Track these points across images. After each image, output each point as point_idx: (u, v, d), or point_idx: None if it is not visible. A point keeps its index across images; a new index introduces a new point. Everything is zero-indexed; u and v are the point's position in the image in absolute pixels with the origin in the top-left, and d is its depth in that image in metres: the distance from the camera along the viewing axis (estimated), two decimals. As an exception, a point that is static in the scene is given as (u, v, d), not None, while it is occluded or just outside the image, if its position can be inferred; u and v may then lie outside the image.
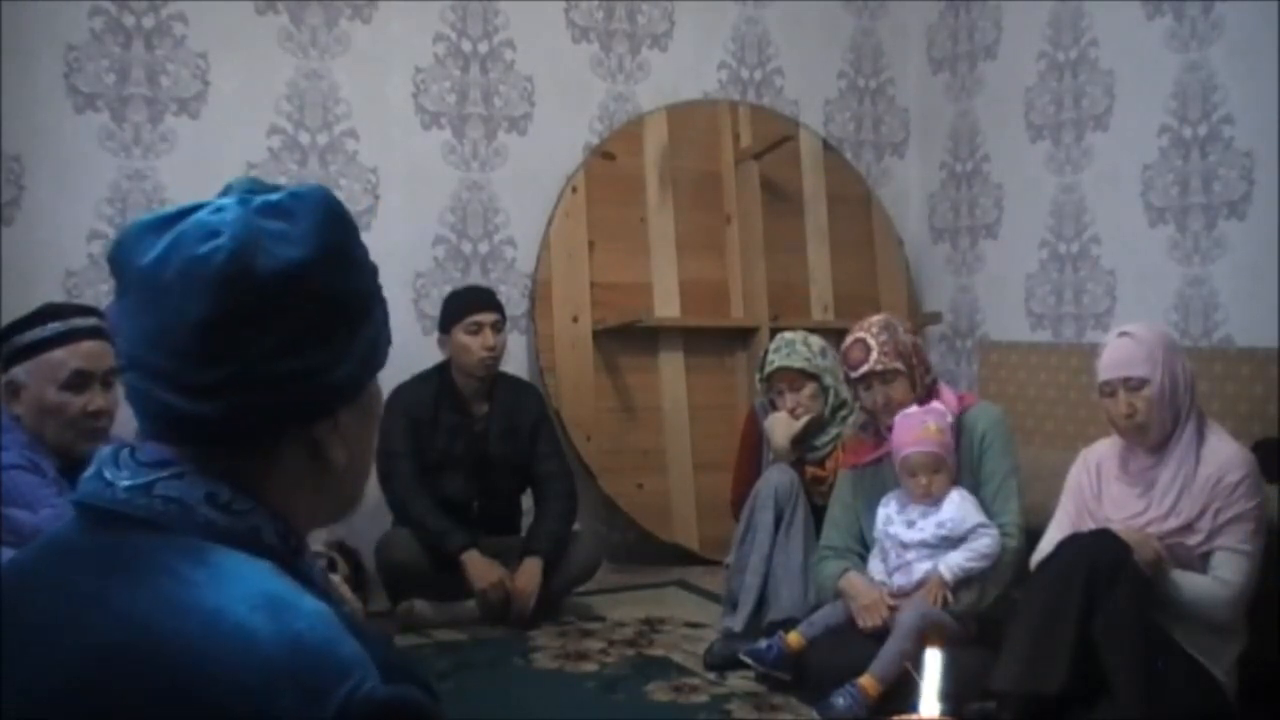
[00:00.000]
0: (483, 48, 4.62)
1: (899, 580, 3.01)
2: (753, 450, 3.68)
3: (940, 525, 2.98)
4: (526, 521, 3.98)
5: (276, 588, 0.85)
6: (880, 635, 2.93)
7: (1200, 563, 2.66)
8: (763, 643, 3.09)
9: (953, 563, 2.94)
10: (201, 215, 0.91)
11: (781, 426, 3.49)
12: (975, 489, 3.08)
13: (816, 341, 3.57)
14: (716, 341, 4.81)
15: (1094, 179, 4.52)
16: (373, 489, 3.61)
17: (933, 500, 3.00)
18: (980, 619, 2.98)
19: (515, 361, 4.42)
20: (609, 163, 4.74)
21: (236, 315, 0.88)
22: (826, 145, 5.14)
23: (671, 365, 4.73)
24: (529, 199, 4.64)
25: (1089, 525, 2.76)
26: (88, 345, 2.47)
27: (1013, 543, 3.01)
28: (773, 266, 4.85)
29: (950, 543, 2.98)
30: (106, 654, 0.81)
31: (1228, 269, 4.02)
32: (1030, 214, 4.80)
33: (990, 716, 2.65)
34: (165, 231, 0.91)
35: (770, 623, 3.24)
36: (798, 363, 3.49)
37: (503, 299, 4.09)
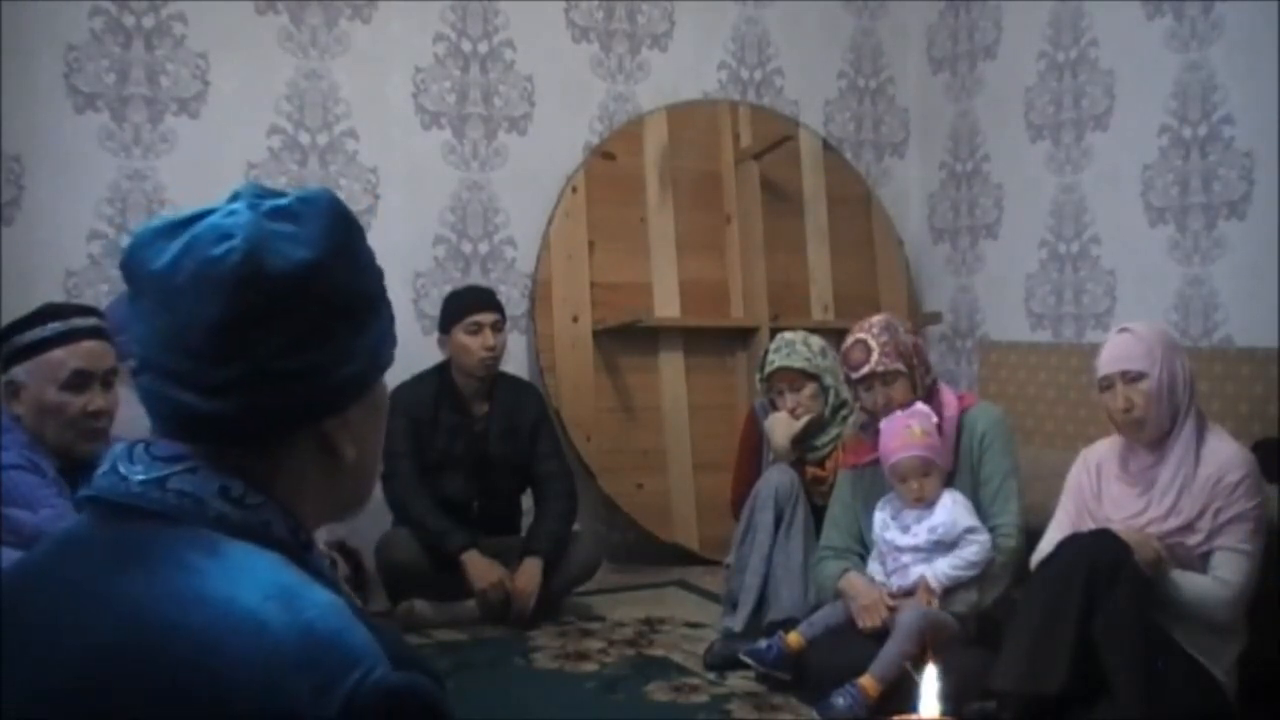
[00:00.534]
0: (483, 48, 4.63)
1: (897, 582, 3.01)
2: (753, 450, 3.68)
3: (932, 530, 2.98)
4: (526, 521, 3.98)
5: (287, 578, 0.87)
6: (880, 635, 2.93)
7: (1200, 563, 2.66)
8: (763, 643, 3.09)
9: (939, 572, 2.95)
10: (213, 219, 0.93)
11: (781, 426, 3.49)
12: (975, 489, 3.08)
13: (816, 341, 3.57)
14: (716, 341, 4.81)
15: (1094, 179, 4.52)
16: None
17: (926, 504, 3.00)
18: (980, 619, 2.98)
19: (515, 361, 4.42)
20: (609, 163, 4.74)
21: (249, 315, 0.90)
22: (826, 145, 5.14)
23: (671, 365, 4.73)
24: (529, 199, 4.64)
25: (1089, 525, 2.76)
26: (88, 345, 2.47)
27: (1012, 543, 3.01)
28: (773, 266, 4.85)
29: (943, 547, 2.98)
30: (120, 642, 0.83)
31: (1228, 269, 4.02)
32: (1030, 214, 4.80)
33: (990, 716, 2.65)
34: (178, 236, 0.93)
35: (770, 623, 3.24)
36: (798, 363, 3.49)
37: (503, 299, 4.09)
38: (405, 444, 3.74)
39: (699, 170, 4.86)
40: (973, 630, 2.96)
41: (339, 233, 0.96)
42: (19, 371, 2.44)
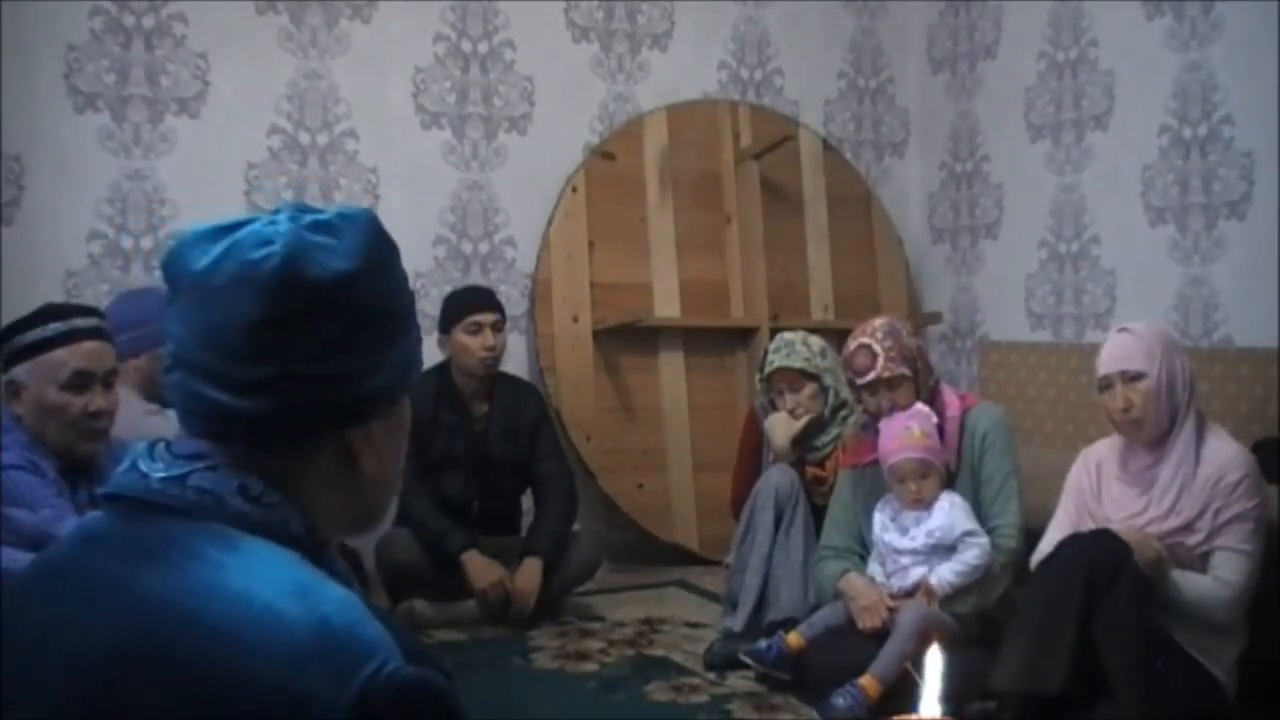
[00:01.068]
0: (483, 48, 4.63)
1: (897, 583, 3.01)
2: (753, 450, 3.68)
3: (930, 534, 2.98)
4: (526, 521, 3.98)
5: (303, 575, 0.89)
6: (880, 636, 2.93)
7: (1200, 562, 2.66)
8: (763, 643, 3.09)
9: (943, 579, 2.94)
10: (255, 226, 0.97)
11: (781, 426, 3.49)
12: (976, 489, 3.08)
13: (816, 342, 3.57)
14: (716, 341, 4.81)
15: (1094, 179, 4.52)
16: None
17: (924, 505, 3.00)
18: (980, 619, 2.98)
19: (515, 361, 4.42)
20: (609, 163, 4.74)
21: (284, 317, 0.93)
22: (826, 145, 5.14)
23: (671, 365, 4.73)
24: (529, 199, 4.64)
25: (1089, 525, 2.76)
26: (88, 345, 2.47)
27: (1012, 544, 3.01)
28: (773, 266, 4.85)
29: (941, 550, 2.98)
30: (141, 633, 0.85)
31: (1228, 269, 4.02)
32: (1030, 214, 4.80)
33: (990, 716, 2.65)
34: (220, 240, 0.96)
35: (770, 623, 3.24)
36: (798, 363, 3.49)
37: (503, 299, 4.09)
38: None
39: (699, 170, 4.85)
40: (973, 630, 2.96)
41: (376, 249, 1.00)
42: (20, 372, 2.44)
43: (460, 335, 3.81)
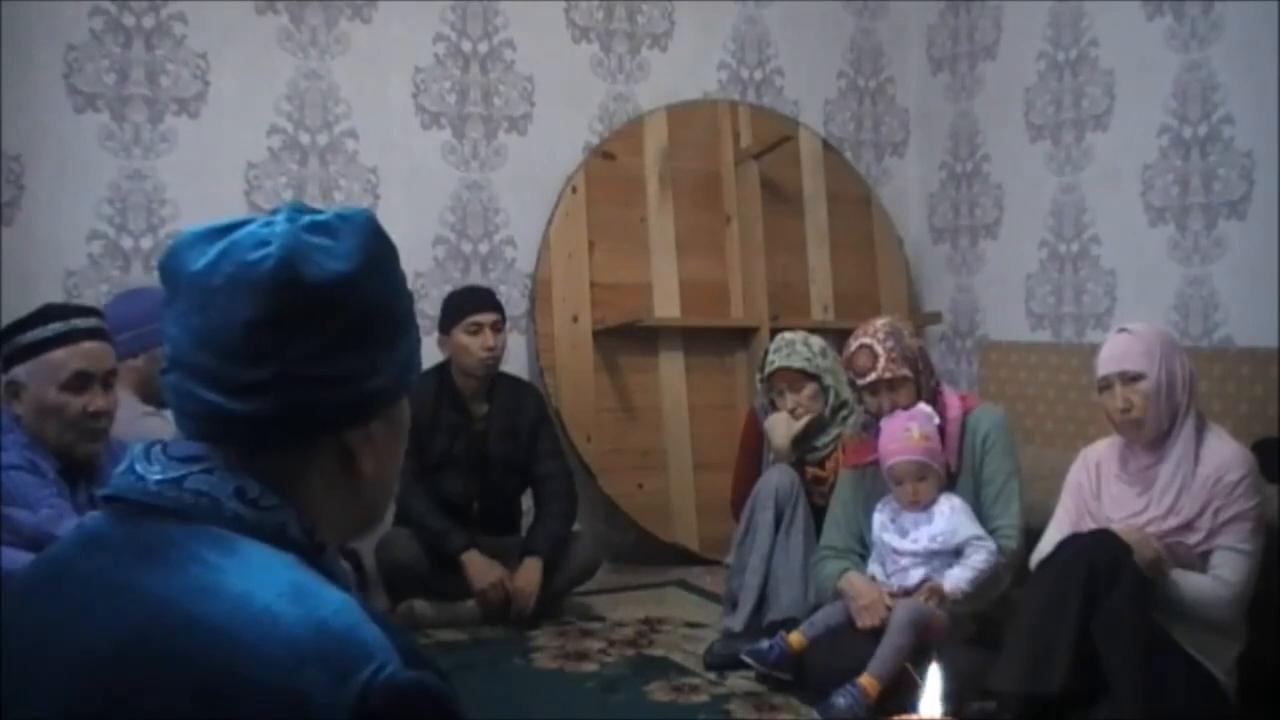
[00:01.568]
0: (483, 48, 4.63)
1: (898, 583, 3.01)
2: (753, 450, 3.68)
3: (934, 538, 2.98)
4: (526, 521, 3.98)
5: (301, 577, 0.89)
6: (879, 635, 2.93)
7: (1200, 562, 2.66)
8: (765, 643, 3.09)
9: (957, 584, 2.92)
10: (253, 227, 0.96)
11: (781, 427, 3.49)
12: (977, 490, 3.08)
13: (817, 342, 3.57)
14: (716, 341, 4.81)
15: (1094, 179, 4.52)
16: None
17: (922, 507, 3.00)
18: (980, 619, 2.98)
19: (515, 361, 4.42)
20: (609, 163, 4.74)
21: (281, 318, 0.93)
22: (826, 145, 5.14)
23: (671, 365, 4.73)
24: (529, 199, 4.64)
25: (1089, 524, 2.76)
26: (88, 346, 2.47)
27: (1012, 544, 3.01)
28: (773, 266, 4.85)
29: (944, 554, 2.98)
30: (139, 635, 0.85)
31: (1228, 269, 4.02)
32: (1030, 214, 4.80)
33: (990, 716, 2.65)
34: (217, 240, 0.96)
35: (770, 623, 3.24)
36: (798, 363, 3.49)
37: (503, 299, 4.09)
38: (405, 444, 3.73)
39: (699, 170, 4.86)
40: (972, 630, 2.96)
41: (374, 250, 0.99)
42: (20, 372, 2.44)
43: (460, 335, 3.81)
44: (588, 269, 4.63)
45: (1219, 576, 2.62)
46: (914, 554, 3.00)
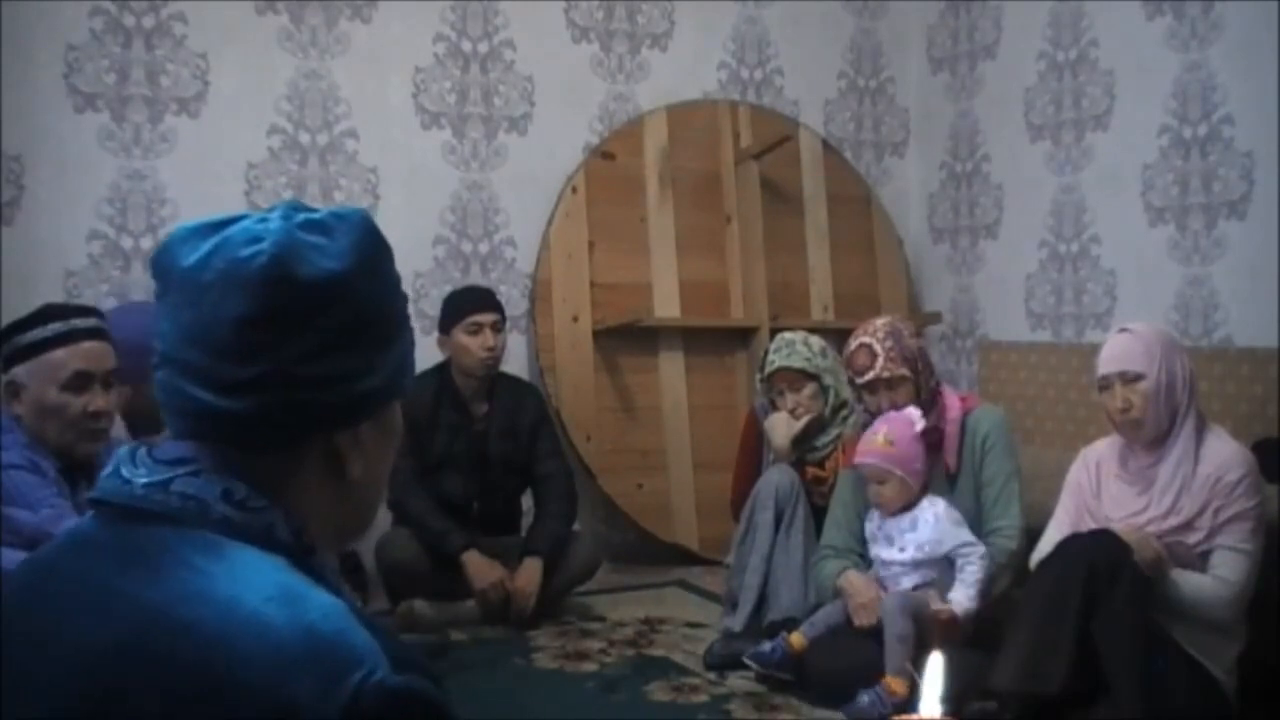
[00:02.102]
0: (483, 48, 4.63)
1: (892, 589, 3.02)
2: (753, 450, 3.68)
3: (919, 547, 2.99)
4: (526, 521, 3.98)
5: (290, 581, 0.88)
6: (877, 633, 2.93)
7: (1200, 562, 2.66)
8: (766, 645, 3.09)
9: (964, 606, 2.91)
10: (246, 224, 0.96)
11: (781, 426, 3.49)
12: (977, 491, 3.08)
13: (817, 342, 3.57)
14: (716, 341, 4.81)
15: (1094, 179, 4.52)
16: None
17: (892, 512, 3.02)
18: (980, 619, 2.98)
19: (515, 361, 4.42)
20: (609, 163, 4.74)
21: (272, 316, 0.92)
22: (826, 145, 5.14)
23: (671, 365, 4.73)
24: (529, 199, 4.64)
25: (1089, 524, 2.76)
26: (88, 346, 2.47)
27: (1013, 545, 3.01)
28: (773, 266, 4.85)
29: (931, 563, 2.98)
30: (127, 641, 0.84)
31: (1228, 269, 4.02)
32: (1030, 214, 4.80)
33: (990, 716, 2.65)
34: (211, 236, 0.95)
35: (770, 623, 3.24)
36: (798, 363, 3.49)
37: (503, 299, 4.09)
38: (405, 444, 3.73)
39: (699, 170, 4.86)
40: (971, 630, 2.96)
41: (368, 250, 0.98)
42: (20, 372, 2.44)
43: (460, 335, 3.81)
44: (588, 269, 4.63)
45: (1219, 576, 2.62)
46: (902, 563, 3.01)
